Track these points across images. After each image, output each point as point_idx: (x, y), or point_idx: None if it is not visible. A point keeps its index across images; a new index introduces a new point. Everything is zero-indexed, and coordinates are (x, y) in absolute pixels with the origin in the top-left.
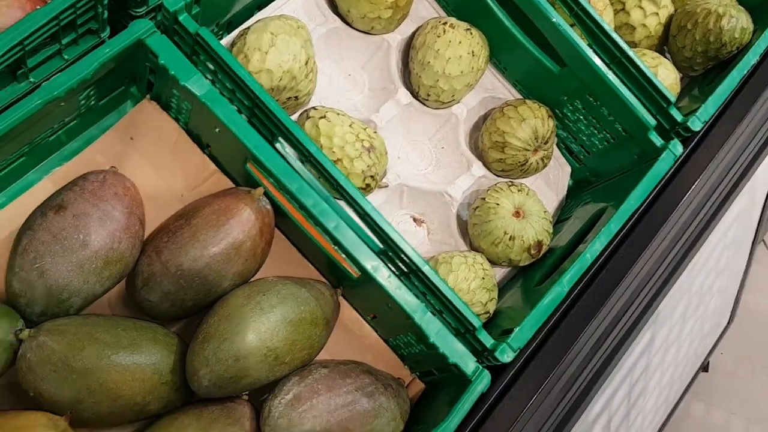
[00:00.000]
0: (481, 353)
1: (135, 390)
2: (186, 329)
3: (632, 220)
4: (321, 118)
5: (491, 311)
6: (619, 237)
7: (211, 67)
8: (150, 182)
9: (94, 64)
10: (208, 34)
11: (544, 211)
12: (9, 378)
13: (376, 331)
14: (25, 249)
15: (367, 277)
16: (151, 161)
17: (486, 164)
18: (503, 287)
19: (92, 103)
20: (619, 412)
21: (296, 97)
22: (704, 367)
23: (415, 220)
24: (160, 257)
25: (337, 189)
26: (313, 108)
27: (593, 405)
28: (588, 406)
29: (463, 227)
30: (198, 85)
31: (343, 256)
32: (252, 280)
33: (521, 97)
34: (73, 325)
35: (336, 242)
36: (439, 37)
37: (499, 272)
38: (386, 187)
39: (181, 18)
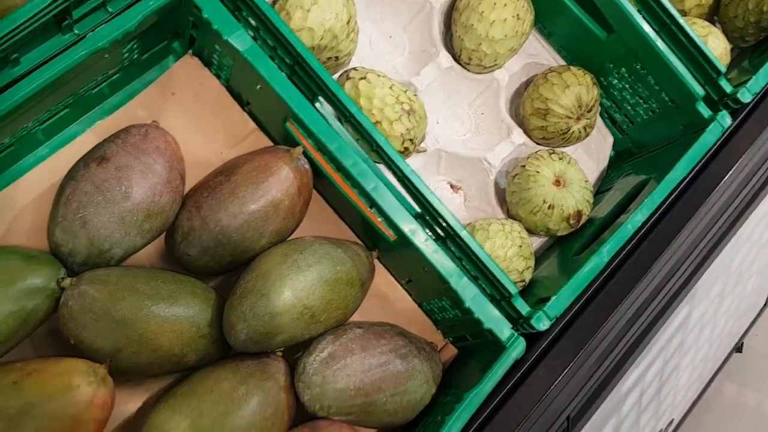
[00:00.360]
0: (516, 320)
1: (173, 342)
2: (222, 285)
3: (676, 192)
4: (361, 78)
5: (527, 280)
6: (661, 209)
7: (253, 23)
8: (190, 138)
9: (138, 16)
10: None
11: (585, 181)
12: (49, 325)
13: (410, 295)
14: (68, 199)
15: (403, 240)
16: (191, 117)
17: (526, 131)
18: (539, 256)
19: (135, 56)
20: (651, 386)
21: (336, 57)
22: (738, 348)
23: (452, 186)
24: (200, 212)
25: (377, 151)
26: (354, 69)
27: (626, 378)
28: (621, 378)
29: (501, 195)
30: (240, 40)
31: (380, 218)
32: (289, 239)
33: (565, 63)
34: (114, 276)
35: (374, 204)
36: None
37: (536, 241)
38: (424, 151)
39: None
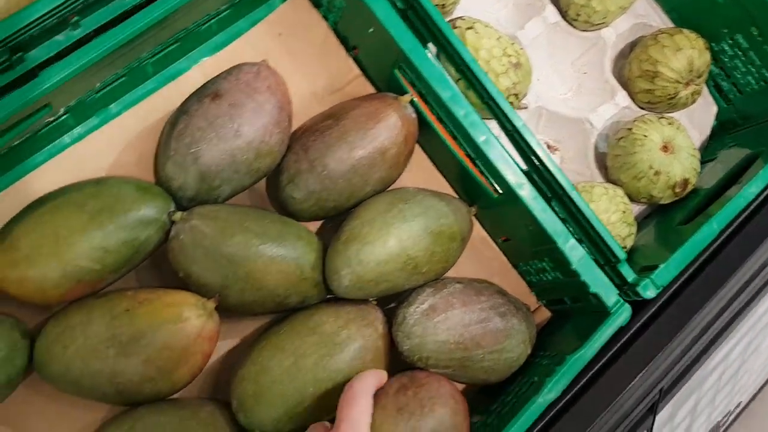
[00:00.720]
0: (619, 287)
1: (278, 282)
2: (321, 231)
3: None
4: (468, 28)
5: (628, 246)
6: None
7: None
8: (293, 80)
9: None
10: None
11: (694, 149)
12: (153, 259)
13: (505, 255)
14: (181, 133)
15: (510, 196)
16: (296, 59)
17: (631, 94)
18: (637, 224)
19: None
20: (733, 365)
21: (443, 5)
22: None
23: (549, 146)
24: (308, 155)
25: (488, 102)
26: (461, 18)
27: (716, 354)
28: (712, 354)
29: (600, 158)
30: None
31: (487, 172)
32: (391, 188)
33: (674, 26)
34: (224, 212)
35: (483, 157)
36: None
37: (634, 208)
38: (525, 108)
39: None
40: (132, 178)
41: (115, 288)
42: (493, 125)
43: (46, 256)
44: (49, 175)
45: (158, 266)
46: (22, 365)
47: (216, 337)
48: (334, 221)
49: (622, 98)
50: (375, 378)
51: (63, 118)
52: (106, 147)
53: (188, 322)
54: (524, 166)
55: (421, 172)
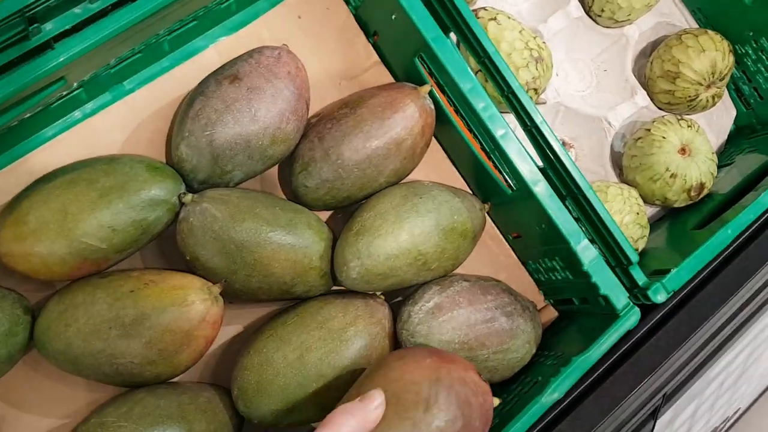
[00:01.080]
0: (629, 290)
1: (286, 270)
2: (332, 220)
3: None
4: (491, 19)
5: (640, 249)
6: None
7: None
8: (310, 64)
9: None
10: None
11: (712, 153)
12: (160, 240)
13: (515, 252)
14: (198, 114)
15: (525, 192)
16: (315, 43)
17: (650, 94)
18: (650, 226)
19: None
20: (734, 373)
21: None
22: None
23: (564, 143)
24: (323, 143)
25: (508, 96)
26: (483, 8)
27: (720, 362)
28: (716, 362)
29: (615, 158)
30: None
31: (503, 168)
32: (405, 180)
33: (698, 26)
34: (235, 197)
35: (500, 151)
36: None
37: (647, 210)
38: (544, 103)
39: None
40: (144, 157)
41: (120, 268)
42: (510, 119)
43: (53, 232)
44: (59, 149)
45: (165, 247)
46: (23, 341)
47: (220, 322)
48: (346, 211)
49: (642, 98)
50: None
51: (76, 92)
52: (119, 123)
53: (193, 306)
54: (540, 163)
55: (435, 164)
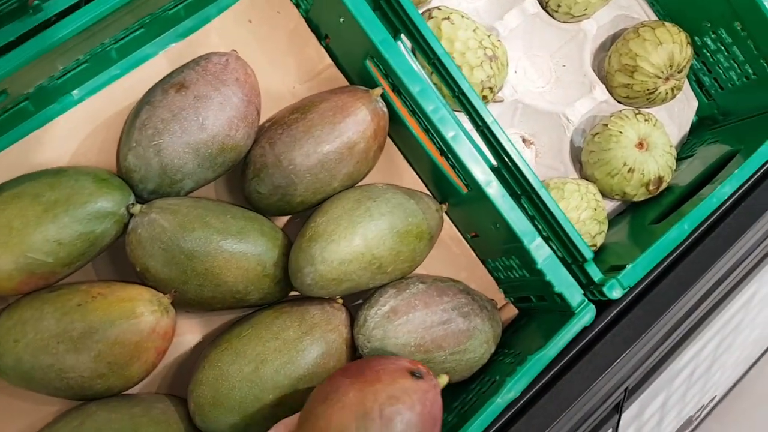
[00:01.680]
0: (586, 286)
1: (238, 278)
2: (288, 226)
3: (765, 167)
4: (444, 19)
5: (598, 244)
6: (749, 183)
7: None
8: (262, 70)
9: None
10: None
11: (670, 146)
12: (113, 251)
13: (474, 251)
14: (144, 124)
15: (478, 193)
16: (266, 47)
17: (609, 88)
18: (610, 221)
19: None
20: (704, 363)
21: None
22: None
23: (524, 140)
24: (274, 149)
25: (458, 97)
26: (437, 8)
27: (685, 353)
28: (681, 353)
29: (575, 153)
30: None
31: (456, 169)
32: (360, 184)
33: (657, 18)
34: (184, 206)
35: (452, 153)
36: None
37: (608, 205)
38: (501, 101)
39: None
40: (91, 168)
41: (71, 281)
42: (465, 118)
43: None
44: (6, 163)
45: (117, 259)
46: None
47: (171, 333)
48: (303, 216)
49: (600, 92)
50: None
51: (22, 104)
52: (68, 134)
53: (142, 317)
54: (495, 162)
55: (392, 166)
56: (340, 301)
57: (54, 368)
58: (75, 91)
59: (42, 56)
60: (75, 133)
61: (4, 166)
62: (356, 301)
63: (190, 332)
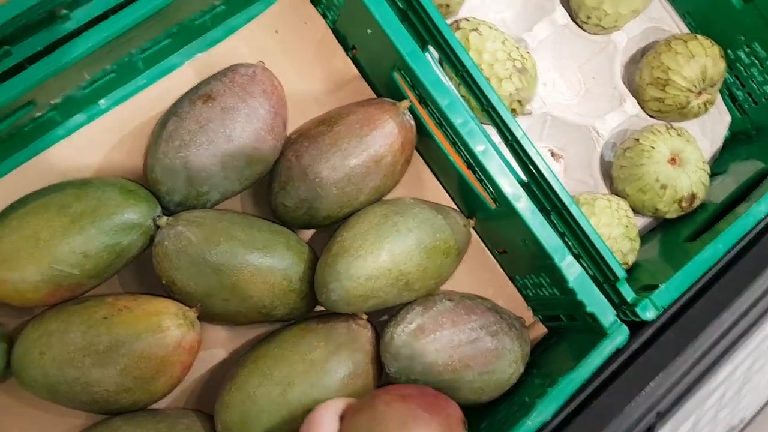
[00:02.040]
0: (618, 306)
1: (264, 293)
2: (313, 239)
3: None
4: (473, 30)
5: (630, 263)
6: None
7: None
8: (289, 80)
9: None
10: None
11: (703, 162)
12: (138, 262)
13: (502, 267)
14: (171, 136)
15: (507, 209)
16: (293, 58)
17: (640, 102)
18: (641, 238)
19: None
20: (736, 384)
21: (448, 4)
22: None
23: (553, 154)
24: (300, 162)
25: (488, 110)
26: (465, 19)
27: (718, 375)
28: (714, 375)
29: (605, 167)
30: None
31: (485, 184)
32: (386, 197)
33: (689, 31)
34: (210, 219)
35: (481, 168)
36: None
37: (639, 221)
38: (529, 114)
39: None
40: (118, 179)
41: (97, 293)
42: (493, 131)
43: (25, 259)
44: (33, 173)
45: (143, 270)
46: (1, 369)
47: (197, 348)
48: (328, 229)
49: (631, 106)
50: (341, 402)
51: (49, 114)
52: (94, 144)
53: (168, 331)
54: (524, 177)
55: (418, 179)
56: (365, 317)
57: (80, 382)
58: (102, 101)
59: (70, 66)
60: (101, 142)
61: (30, 176)
62: (381, 317)
63: (214, 346)
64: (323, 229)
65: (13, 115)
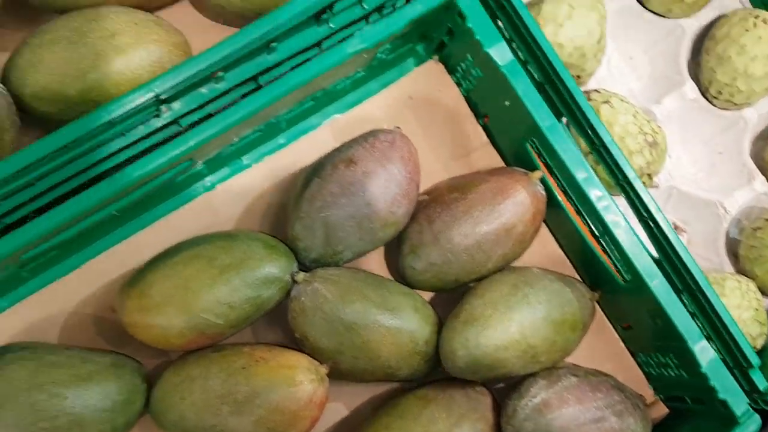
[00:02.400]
0: (748, 393)
1: (391, 354)
2: (438, 302)
3: None
4: (604, 102)
5: (759, 347)
6: None
7: (506, 34)
8: (418, 143)
9: (405, 19)
10: (518, 1)
11: None
12: (272, 315)
13: (624, 342)
14: (313, 196)
15: (639, 285)
16: (424, 123)
17: None
18: None
19: (383, 56)
20: None
21: (579, 76)
22: None
23: (676, 227)
24: (432, 227)
25: (622, 185)
26: (596, 90)
27: None
28: None
29: (731, 245)
30: (501, 53)
31: (616, 258)
32: (513, 265)
33: None
34: (345, 278)
35: (613, 241)
36: (747, 30)
37: (766, 303)
38: (656, 187)
39: None
40: (260, 234)
41: (232, 341)
42: (620, 200)
43: (174, 307)
44: (180, 221)
45: (273, 321)
46: (140, 409)
47: (325, 403)
48: (452, 293)
49: (761, 183)
50: None
51: (199, 168)
52: (236, 197)
53: (301, 386)
54: (655, 254)
55: (543, 248)
56: (482, 384)
57: (216, 429)
58: (245, 157)
59: (228, 130)
60: (242, 195)
61: (179, 224)
62: (497, 384)
63: (335, 400)
64: (446, 292)
65: (172, 170)
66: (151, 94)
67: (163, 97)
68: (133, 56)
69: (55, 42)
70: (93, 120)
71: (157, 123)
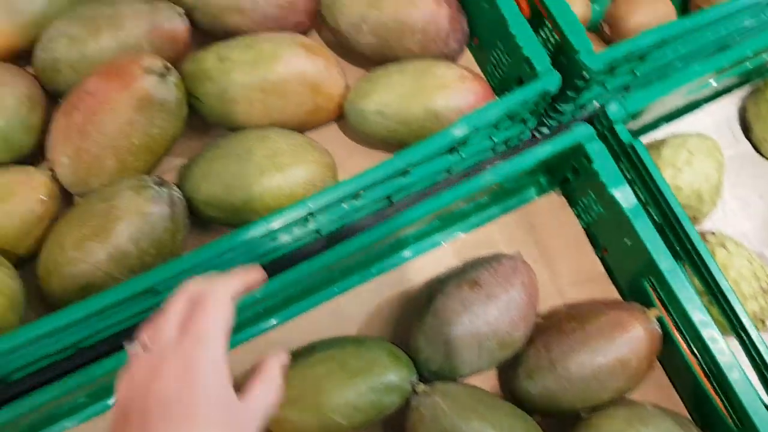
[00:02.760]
0: None
1: None
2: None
3: None
4: (719, 246)
5: None
6: None
7: (628, 175)
8: (535, 267)
9: (536, 159)
10: (640, 146)
11: None
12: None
13: None
14: (437, 311)
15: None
16: (543, 250)
17: None
18: None
19: (508, 185)
20: None
21: (695, 216)
22: None
23: None
24: (550, 354)
25: (738, 330)
26: (711, 233)
27: None
28: None
29: None
30: (625, 196)
31: (731, 404)
32: (626, 398)
33: None
34: (463, 394)
35: (729, 388)
36: None
37: None
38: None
39: (617, 128)
40: (385, 342)
41: None
42: (733, 342)
43: (308, 404)
44: (313, 322)
45: (384, 426)
46: None
47: None
48: (562, 417)
49: None
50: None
51: (333, 274)
52: (363, 304)
53: None
54: (767, 400)
55: (654, 383)
56: None
57: None
58: (373, 267)
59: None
60: (368, 303)
61: (313, 324)
62: None
63: None
64: (556, 418)
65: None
66: (305, 210)
67: (313, 211)
68: (290, 174)
69: (227, 156)
70: (257, 227)
71: (300, 232)
